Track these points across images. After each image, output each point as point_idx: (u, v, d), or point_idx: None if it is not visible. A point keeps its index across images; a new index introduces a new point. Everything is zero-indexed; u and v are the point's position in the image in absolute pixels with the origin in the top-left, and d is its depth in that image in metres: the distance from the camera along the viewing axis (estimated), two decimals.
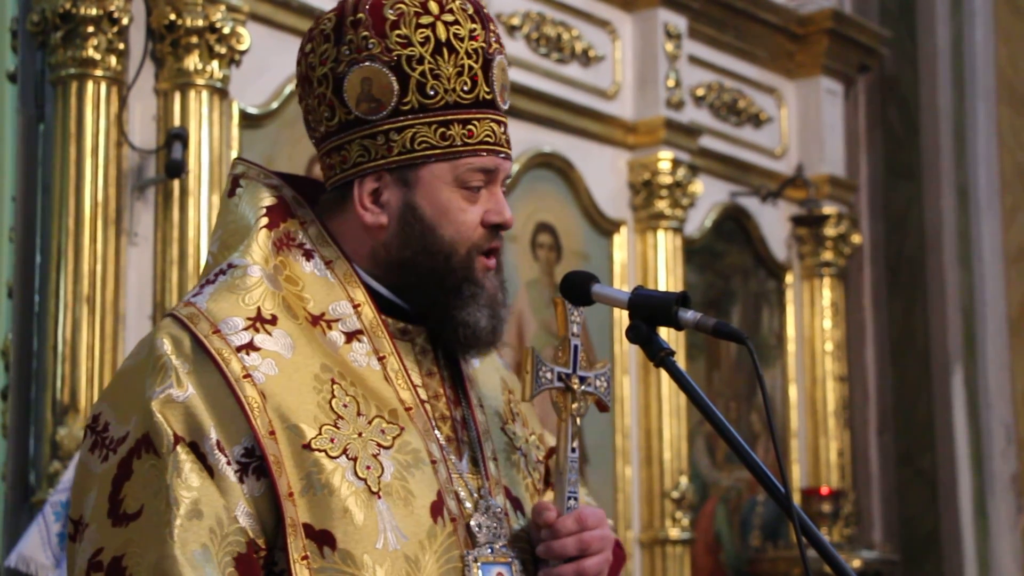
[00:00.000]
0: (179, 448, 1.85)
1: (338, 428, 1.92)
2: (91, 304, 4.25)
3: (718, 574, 6.41)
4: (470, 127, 2.02)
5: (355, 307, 2.03)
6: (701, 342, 6.43)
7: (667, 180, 6.08)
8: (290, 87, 4.87)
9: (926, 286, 7.16)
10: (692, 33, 6.39)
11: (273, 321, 1.96)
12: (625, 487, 5.95)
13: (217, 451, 1.86)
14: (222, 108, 4.58)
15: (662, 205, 6.09)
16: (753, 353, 1.93)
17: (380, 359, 2.01)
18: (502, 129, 2.06)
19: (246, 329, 1.94)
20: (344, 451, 1.91)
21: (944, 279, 7.09)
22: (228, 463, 1.87)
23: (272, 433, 1.88)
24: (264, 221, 2.05)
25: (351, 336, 2.01)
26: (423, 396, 2.04)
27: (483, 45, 2.04)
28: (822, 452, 6.90)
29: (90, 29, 4.29)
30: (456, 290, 2.03)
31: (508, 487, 2.09)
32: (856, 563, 6.42)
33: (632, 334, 2.01)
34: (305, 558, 1.86)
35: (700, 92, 6.58)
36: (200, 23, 4.46)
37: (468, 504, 2.00)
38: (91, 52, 4.31)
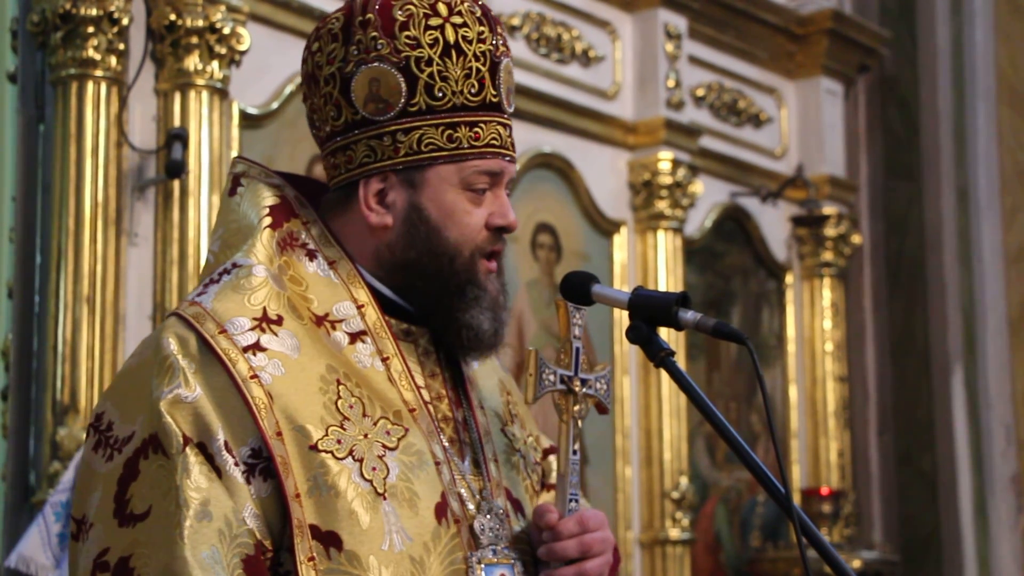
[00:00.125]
0: (188, 449, 1.85)
1: (344, 429, 1.92)
2: (91, 304, 4.25)
3: (718, 574, 6.41)
4: (477, 129, 2.03)
5: (359, 308, 2.03)
6: (701, 342, 6.43)
7: (667, 180, 6.08)
8: (290, 87, 4.87)
9: (926, 286, 7.16)
10: (692, 33, 6.39)
11: (279, 321, 1.96)
12: (625, 487, 5.95)
13: (225, 452, 1.86)
14: (222, 108, 4.58)
15: (662, 205, 6.09)
16: (753, 353, 1.93)
17: (384, 360, 2.01)
18: (508, 132, 2.07)
19: (252, 329, 1.93)
20: (350, 452, 1.90)
21: (944, 279, 7.09)
22: (235, 464, 1.86)
23: (279, 434, 1.88)
24: (268, 221, 2.04)
25: (355, 337, 2.01)
26: (426, 397, 2.04)
27: (491, 48, 2.04)
28: (822, 452, 6.90)
29: (90, 29, 4.29)
30: (459, 292, 2.03)
31: (509, 488, 2.09)
32: (856, 563, 6.42)
33: (632, 334, 2.01)
34: (312, 559, 1.86)
35: (700, 92, 6.59)
36: (200, 23, 4.46)
37: (471, 505, 2.00)
38: (91, 52, 4.31)
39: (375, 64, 2.01)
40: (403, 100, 2.01)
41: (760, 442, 6.69)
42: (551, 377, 2.08)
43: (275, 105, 4.87)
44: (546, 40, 5.88)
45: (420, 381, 2.05)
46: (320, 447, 1.89)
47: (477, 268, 2.05)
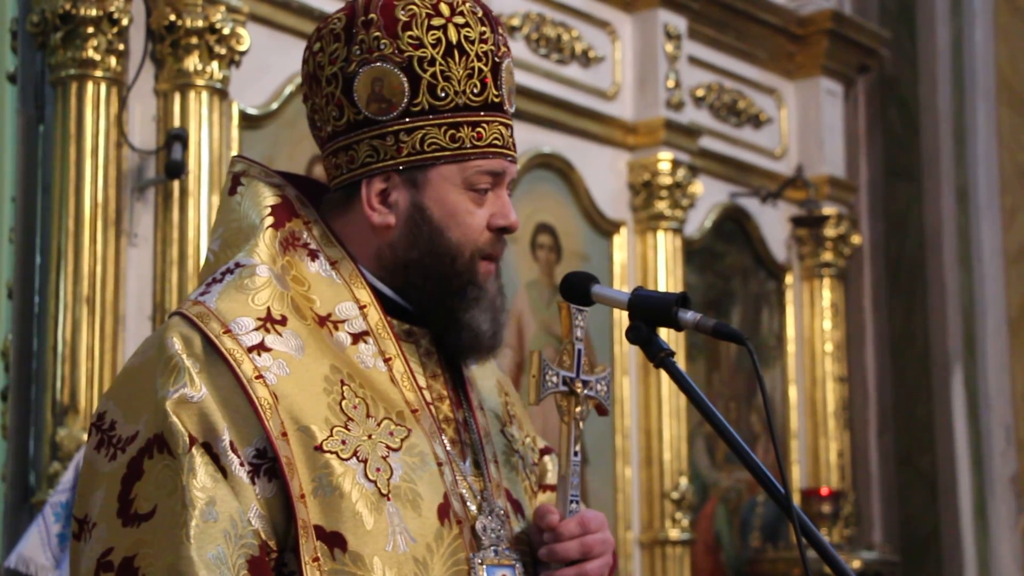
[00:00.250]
0: (194, 449, 1.84)
1: (348, 430, 1.92)
2: (91, 305, 4.25)
3: (718, 575, 6.41)
4: (479, 129, 2.03)
5: (361, 308, 2.03)
6: (701, 343, 6.43)
7: (667, 181, 6.08)
8: (290, 88, 4.87)
9: (926, 286, 7.16)
10: (692, 34, 6.39)
11: (283, 322, 1.96)
12: (625, 488, 5.95)
13: (230, 452, 1.86)
14: (222, 109, 4.58)
15: (662, 206, 6.09)
16: (753, 354, 1.93)
17: (386, 361, 2.01)
18: (509, 132, 2.07)
19: (257, 329, 1.93)
20: (355, 453, 1.90)
21: (944, 279, 7.09)
22: (241, 464, 1.86)
23: (284, 434, 1.88)
24: (270, 220, 2.04)
25: (357, 337, 2.01)
26: (428, 398, 2.04)
27: (492, 48, 2.04)
28: (822, 453, 6.90)
29: (90, 30, 4.29)
30: (460, 292, 2.04)
31: (508, 489, 2.09)
32: (856, 564, 6.42)
33: (632, 335, 2.01)
34: (316, 560, 1.86)
35: (700, 93, 6.59)
36: (200, 24, 4.46)
37: (472, 506, 2.00)
38: (91, 53, 4.31)
39: (378, 64, 2.01)
40: (406, 100, 2.01)
41: (760, 442, 6.69)
42: (554, 379, 2.08)
43: (275, 105, 4.87)
44: (546, 40, 5.88)
45: (422, 382, 2.05)
46: (325, 448, 1.89)
47: (477, 269, 2.05)
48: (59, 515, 3.98)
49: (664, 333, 2.04)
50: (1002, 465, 7.02)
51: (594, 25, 6.12)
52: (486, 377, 2.22)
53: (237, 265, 2.00)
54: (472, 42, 2.02)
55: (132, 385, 1.95)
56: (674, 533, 5.94)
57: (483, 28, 2.04)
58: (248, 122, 4.79)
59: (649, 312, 2.00)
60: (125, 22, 4.36)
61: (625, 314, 2.03)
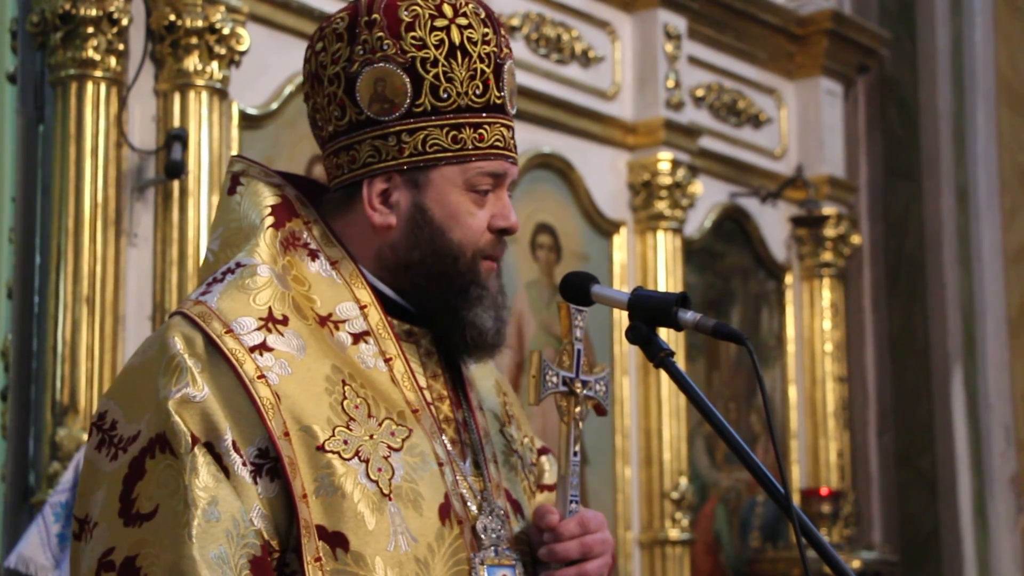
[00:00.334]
0: (197, 449, 1.84)
1: (350, 430, 1.92)
2: (91, 305, 4.25)
3: (717, 575, 6.41)
4: (481, 131, 2.03)
5: (361, 308, 2.03)
6: (701, 343, 6.43)
7: (667, 181, 6.08)
8: (289, 88, 4.87)
9: (926, 287, 7.16)
10: (692, 34, 6.40)
11: (284, 321, 1.96)
12: (625, 488, 5.95)
13: (233, 452, 1.86)
14: (222, 109, 4.58)
15: (662, 206, 6.09)
16: (753, 354, 1.93)
17: (387, 361, 2.02)
18: (511, 134, 2.07)
19: (258, 329, 1.93)
20: (356, 453, 1.90)
21: (944, 280, 7.09)
22: (243, 464, 1.86)
23: (286, 434, 1.88)
24: (270, 220, 2.04)
25: (358, 337, 2.01)
26: (428, 398, 2.04)
27: (495, 50, 2.05)
28: (822, 453, 6.90)
29: (90, 30, 4.29)
30: (463, 292, 2.04)
31: (508, 489, 2.10)
32: (856, 564, 6.42)
33: (632, 335, 2.02)
34: (318, 560, 1.86)
35: (700, 93, 6.59)
36: (200, 24, 4.46)
37: (473, 506, 2.01)
38: (91, 53, 4.31)
39: (380, 64, 2.01)
40: (408, 101, 2.01)
41: (759, 442, 6.69)
42: (554, 379, 2.08)
43: (275, 106, 4.87)
44: (546, 40, 5.88)
45: (422, 382, 2.05)
46: (327, 448, 1.89)
47: (479, 268, 2.05)
48: (59, 515, 3.98)
49: (664, 333, 2.04)
50: (1002, 465, 7.02)
51: (594, 25, 6.12)
52: (485, 377, 2.22)
53: (238, 265, 2.00)
54: (475, 43, 2.03)
55: (133, 385, 1.95)
56: (674, 533, 5.94)
57: (486, 30, 2.04)
58: (248, 122, 4.79)
59: (649, 312, 2.00)
60: (125, 22, 4.36)
61: (625, 314, 2.03)
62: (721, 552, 6.46)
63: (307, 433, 1.89)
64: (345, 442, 1.90)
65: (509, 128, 2.07)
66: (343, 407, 1.93)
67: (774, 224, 6.95)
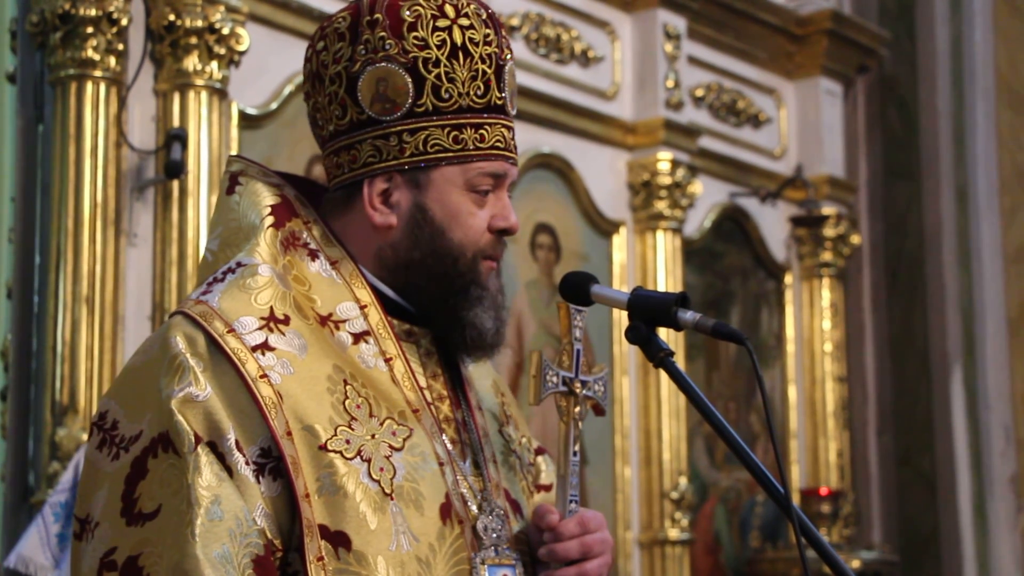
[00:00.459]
0: (200, 448, 1.84)
1: (352, 429, 1.92)
2: (90, 305, 4.25)
3: (717, 575, 6.41)
4: (482, 131, 2.03)
5: (361, 308, 2.03)
6: (700, 343, 6.43)
7: (666, 181, 6.08)
8: (289, 88, 4.87)
9: (925, 287, 7.16)
10: (691, 34, 6.40)
11: (286, 321, 1.96)
12: (624, 488, 5.95)
13: (236, 451, 1.86)
14: (221, 109, 4.58)
15: (661, 206, 6.09)
16: (752, 354, 1.93)
17: (387, 360, 2.02)
18: (511, 135, 2.08)
19: (260, 329, 1.93)
20: (359, 453, 1.91)
21: (943, 280, 7.09)
22: (246, 463, 1.86)
23: (289, 434, 1.88)
24: (270, 220, 2.04)
25: (358, 337, 2.01)
26: (428, 398, 2.04)
27: (496, 51, 2.05)
28: (821, 453, 6.90)
29: (89, 30, 4.29)
30: (463, 292, 2.04)
31: (507, 489, 2.10)
32: (855, 564, 6.42)
33: (631, 335, 2.02)
34: (321, 559, 1.86)
35: (699, 93, 6.59)
36: (199, 24, 4.46)
37: (473, 506, 2.01)
38: (90, 53, 4.31)
39: (383, 64, 2.01)
40: (410, 101, 2.01)
41: (759, 442, 6.69)
42: (554, 379, 2.08)
43: (274, 105, 4.87)
44: (545, 40, 5.88)
45: (422, 382, 2.05)
46: (329, 447, 1.89)
47: (479, 268, 2.06)
48: (58, 515, 3.98)
49: (663, 333, 2.04)
50: (1001, 465, 7.02)
51: (593, 25, 6.12)
52: (483, 377, 2.22)
53: (239, 264, 2.00)
54: (476, 44, 2.03)
55: (135, 384, 1.95)
56: (673, 533, 5.94)
57: (487, 30, 2.05)
58: (247, 122, 4.79)
59: (648, 312, 2.00)
60: (124, 22, 4.36)
61: (624, 314, 2.03)
62: (721, 552, 6.46)
63: (309, 432, 1.89)
64: (347, 441, 1.91)
65: (510, 129, 2.08)
66: (345, 407, 1.93)
67: (774, 224, 6.95)
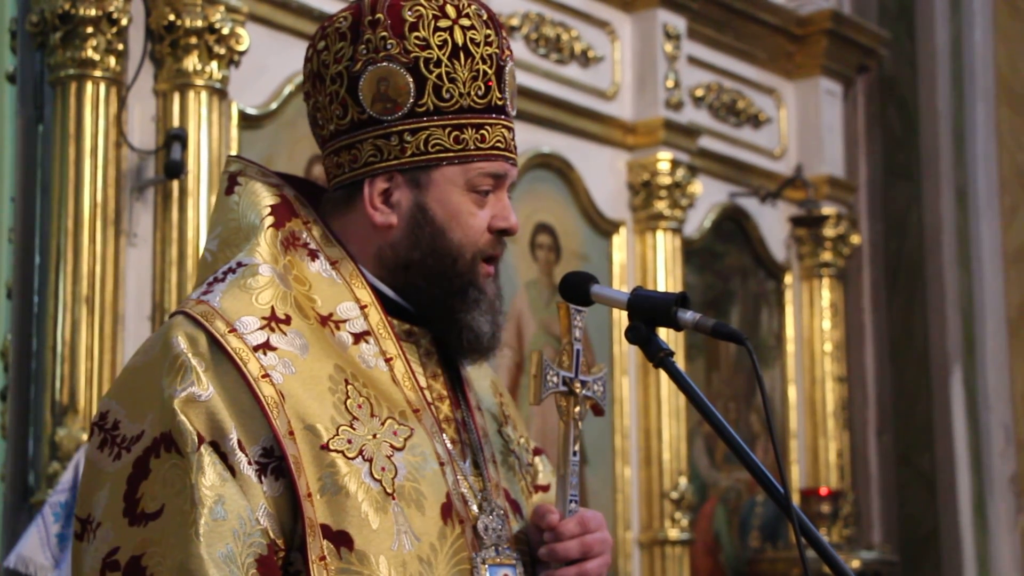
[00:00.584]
0: (203, 448, 1.85)
1: (354, 429, 1.92)
2: (90, 305, 4.25)
3: (717, 575, 6.41)
4: (483, 132, 2.04)
5: (361, 308, 2.04)
6: (700, 343, 6.43)
7: (666, 181, 6.08)
8: (289, 88, 4.87)
9: (925, 287, 7.16)
10: (691, 34, 6.40)
11: (287, 321, 1.96)
12: (624, 488, 5.95)
13: (238, 451, 1.86)
14: (221, 109, 4.58)
15: (661, 206, 6.09)
16: (752, 354, 1.93)
17: (387, 360, 2.02)
18: (511, 135, 2.08)
19: (261, 328, 1.94)
20: (360, 452, 1.91)
21: (943, 280, 7.09)
22: (248, 463, 1.87)
23: (291, 433, 1.88)
24: (270, 220, 2.05)
25: (359, 337, 2.01)
26: (429, 398, 2.05)
27: (496, 51, 2.06)
28: (821, 453, 6.90)
29: (89, 30, 4.29)
30: (461, 293, 2.05)
31: (507, 489, 2.10)
32: (855, 564, 6.42)
33: (631, 335, 2.02)
34: (323, 559, 1.86)
35: (699, 93, 6.59)
36: (199, 24, 4.46)
37: (474, 506, 2.01)
38: (90, 53, 4.31)
39: (384, 64, 2.01)
40: (411, 100, 2.01)
41: (759, 442, 6.69)
42: (554, 379, 2.09)
43: (274, 106, 4.87)
44: (545, 40, 5.88)
45: (422, 382, 2.05)
46: (331, 447, 1.89)
47: (478, 270, 2.06)
48: (58, 515, 3.98)
49: (663, 333, 2.04)
50: (1001, 465, 7.02)
51: (593, 25, 6.12)
52: (481, 378, 2.23)
53: (239, 264, 2.01)
54: (477, 45, 2.03)
55: (136, 384, 1.95)
56: (673, 533, 5.94)
57: (488, 31, 2.05)
58: (247, 122, 4.79)
59: (648, 312, 2.01)
60: (124, 22, 4.36)
61: (624, 314, 2.03)
62: (721, 552, 6.46)
63: (311, 432, 1.89)
64: (349, 441, 1.91)
65: (510, 129, 2.08)
66: (346, 406, 1.94)
67: (774, 224, 6.95)
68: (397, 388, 2.01)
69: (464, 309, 2.04)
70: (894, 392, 7.25)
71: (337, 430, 1.91)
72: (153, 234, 4.47)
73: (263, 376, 1.89)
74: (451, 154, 2.02)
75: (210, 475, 1.83)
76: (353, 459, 1.90)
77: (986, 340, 7.05)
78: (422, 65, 2.01)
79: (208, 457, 1.84)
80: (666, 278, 6.08)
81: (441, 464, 1.99)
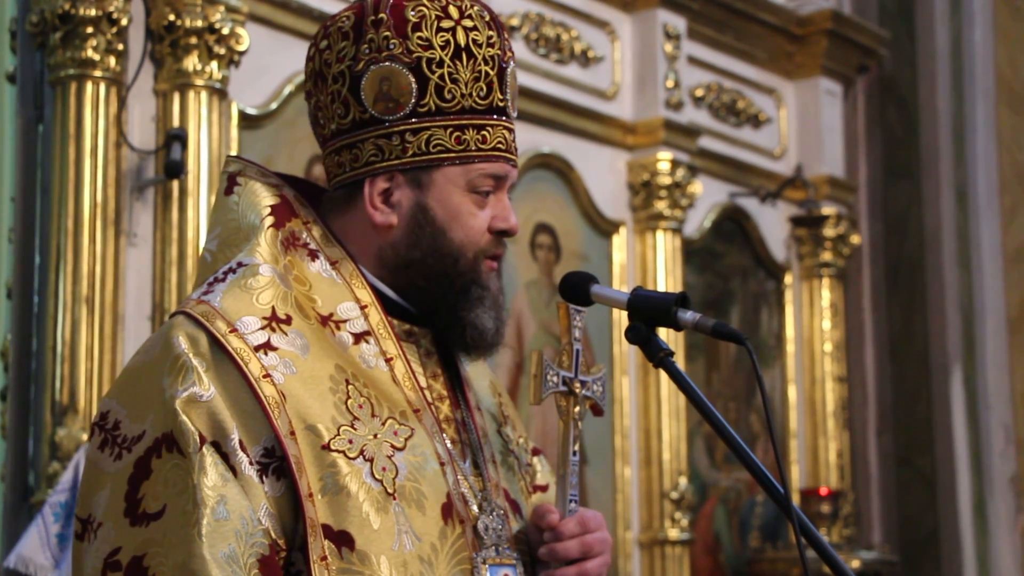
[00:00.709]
0: (205, 448, 1.85)
1: (355, 429, 1.92)
2: (90, 305, 4.25)
3: (717, 575, 6.42)
4: (484, 133, 2.04)
5: (362, 308, 2.04)
6: (700, 343, 6.43)
7: (666, 181, 6.08)
8: (289, 88, 4.87)
9: (925, 287, 7.16)
10: (691, 34, 6.40)
11: (288, 321, 1.96)
12: (624, 488, 5.95)
13: (240, 451, 1.86)
14: (221, 109, 4.58)
15: (661, 206, 6.09)
16: (752, 354, 1.93)
17: (387, 360, 2.02)
18: (512, 137, 2.09)
19: (262, 329, 1.94)
20: (361, 452, 1.91)
21: (943, 280, 7.09)
22: (250, 463, 1.87)
23: (292, 433, 1.88)
24: (270, 220, 2.05)
25: (359, 337, 2.02)
26: (429, 398, 2.05)
27: (498, 52, 2.06)
28: (821, 453, 6.90)
29: (89, 30, 4.29)
30: (464, 292, 2.05)
31: (506, 489, 2.10)
32: (855, 564, 6.42)
33: (631, 335, 2.02)
34: (324, 559, 1.86)
35: (699, 93, 6.59)
36: (199, 24, 4.46)
37: (474, 506, 2.01)
38: (90, 53, 4.31)
39: (386, 63, 2.02)
40: (413, 100, 2.02)
41: (759, 442, 6.69)
42: (554, 379, 2.09)
43: (274, 106, 4.87)
44: (545, 40, 5.88)
45: (423, 382, 2.06)
46: (332, 447, 1.90)
47: (480, 268, 2.06)
48: (58, 515, 3.98)
49: (663, 333, 2.04)
50: (1001, 465, 7.02)
51: (593, 25, 6.12)
52: (480, 377, 2.23)
53: (239, 264, 2.01)
54: (480, 46, 2.04)
55: (137, 385, 1.95)
56: (673, 533, 5.94)
57: (490, 32, 2.06)
58: (247, 122, 4.79)
59: (648, 312, 2.01)
60: (124, 22, 4.36)
61: (624, 314, 2.04)
62: (721, 552, 6.46)
63: (312, 432, 1.89)
64: (350, 441, 1.91)
65: (511, 131, 2.09)
66: (347, 406, 1.94)
67: (774, 224, 6.95)
68: (397, 388, 2.01)
69: (467, 306, 2.05)
70: (894, 392, 7.25)
71: (338, 430, 1.91)
72: (153, 234, 4.47)
73: (264, 376, 1.89)
74: (452, 154, 2.03)
75: (212, 475, 1.83)
76: (354, 459, 1.90)
77: (986, 340, 7.05)
78: (424, 65, 2.01)
79: (210, 457, 1.84)
80: (666, 278, 6.08)
81: (441, 464, 1.99)
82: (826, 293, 7.00)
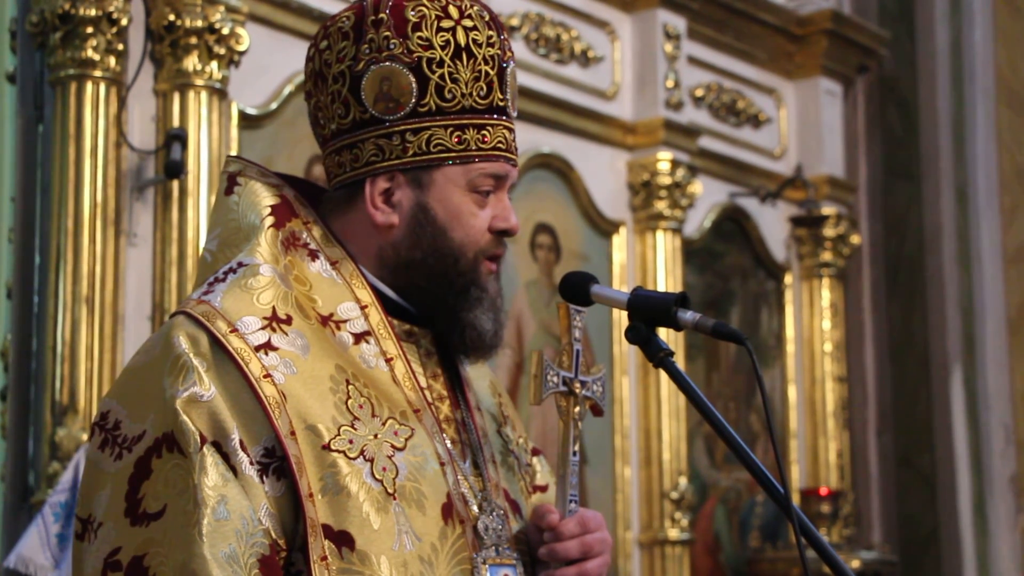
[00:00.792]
0: (205, 448, 1.85)
1: (355, 429, 1.92)
2: (90, 305, 4.25)
3: (717, 575, 6.42)
4: (484, 132, 2.04)
5: (362, 308, 2.04)
6: (700, 343, 6.43)
7: (666, 181, 6.08)
8: (289, 88, 4.87)
9: (925, 287, 7.16)
10: (691, 34, 6.40)
11: (288, 321, 1.96)
12: (624, 488, 5.95)
13: (240, 451, 1.86)
14: (221, 109, 4.59)
15: (661, 206, 6.09)
16: (752, 354, 1.93)
17: (388, 361, 2.02)
18: (512, 136, 2.09)
19: (263, 329, 1.94)
20: (361, 452, 1.91)
21: (943, 280, 7.10)
22: (250, 463, 1.87)
23: (292, 433, 1.88)
24: (270, 220, 2.05)
25: (359, 337, 2.02)
26: (429, 398, 2.05)
27: (499, 52, 2.07)
28: (821, 453, 6.90)
29: (89, 30, 4.29)
30: (463, 292, 2.05)
31: (506, 489, 2.10)
32: (855, 564, 6.42)
33: (631, 335, 2.02)
34: (324, 559, 1.86)
35: (699, 93, 6.59)
36: (199, 24, 4.46)
37: (474, 506, 2.01)
38: (90, 53, 4.31)
39: (387, 63, 2.02)
40: (413, 100, 2.02)
41: (759, 442, 6.69)
42: (554, 379, 2.09)
43: (274, 106, 4.87)
44: (545, 40, 5.88)
45: (423, 382, 2.06)
46: (332, 447, 1.90)
47: (480, 269, 2.06)
48: (58, 515, 3.98)
49: (663, 333, 2.04)
50: (1001, 465, 7.02)
51: (593, 25, 6.12)
52: (480, 378, 2.23)
53: (240, 264, 2.01)
54: (480, 46, 2.04)
55: (137, 385, 1.95)
56: (673, 533, 5.94)
57: (490, 32, 2.06)
58: (247, 122, 4.79)
59: (648, 312, 2.01)
60: (124, 22, 4.36)
61: (624, 314, 2.04)
62: (721, 552, 6.46)
63: (313, 432, 1.89)
64: (350, 441, 1.91)
65: (511, 131, 2.09)
66: (347, 406, 1.94)
67: (773, 224, 6.95)
68: (398, 388, 2.01)
69: (466, 307, 2.05)
70: (894, 392, 7.26)
71: (338, 430, 1.91)
72: (153, 234, 4.47)
73: (265, 376, 1.89)
74: (453, 154, 2.03)
75: (212, 475, 1.83)
76: (354, 459, 1.90)
77: (986, 340, 7.05)
78: (425, 65, 2.01)
79: (210, 457, 1.84)
80: (666, 278, 6.08)
81: (442, 464, 1.99)
82: (826, 293, 7.01)
